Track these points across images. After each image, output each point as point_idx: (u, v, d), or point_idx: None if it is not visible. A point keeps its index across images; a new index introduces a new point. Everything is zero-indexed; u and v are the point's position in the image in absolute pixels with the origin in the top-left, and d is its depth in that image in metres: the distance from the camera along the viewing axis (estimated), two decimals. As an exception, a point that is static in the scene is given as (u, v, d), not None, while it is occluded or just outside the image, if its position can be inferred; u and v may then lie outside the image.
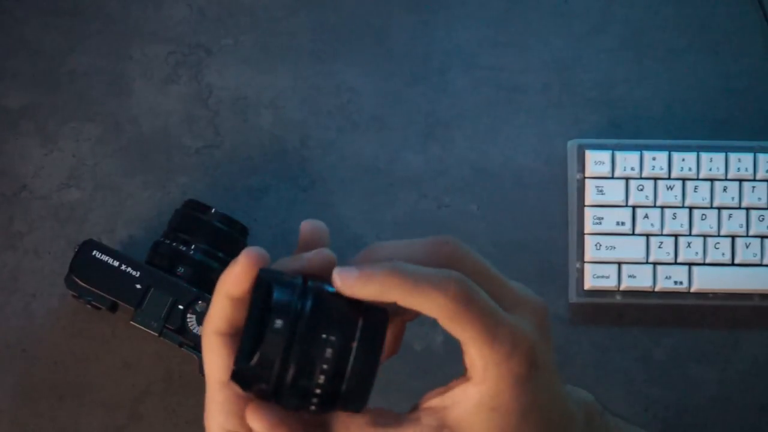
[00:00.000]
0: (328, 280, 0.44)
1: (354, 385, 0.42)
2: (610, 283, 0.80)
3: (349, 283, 0.43)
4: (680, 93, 0.85)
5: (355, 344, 0.42)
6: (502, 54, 0.85)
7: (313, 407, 0.43)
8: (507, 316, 0.44)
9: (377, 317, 0.43)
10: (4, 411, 0.80)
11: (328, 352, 0.42)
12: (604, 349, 0.82)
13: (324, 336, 0.42)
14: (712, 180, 0.80)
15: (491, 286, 0.45)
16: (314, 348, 0.42)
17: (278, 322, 0.42)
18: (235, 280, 0.44)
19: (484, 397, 0.43)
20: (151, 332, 0.74)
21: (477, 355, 0.43)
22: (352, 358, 0.42)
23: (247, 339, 0.42)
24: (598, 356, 0.82)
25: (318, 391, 0.42)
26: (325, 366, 0.42)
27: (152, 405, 0.80)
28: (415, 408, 0.46)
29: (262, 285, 0.43)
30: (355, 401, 0.43)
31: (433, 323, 0.44)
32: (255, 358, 0.42)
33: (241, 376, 0.42)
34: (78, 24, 0.84)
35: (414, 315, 0.45)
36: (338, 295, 0.43)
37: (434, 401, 0.45)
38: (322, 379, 0.42)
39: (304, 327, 0.42)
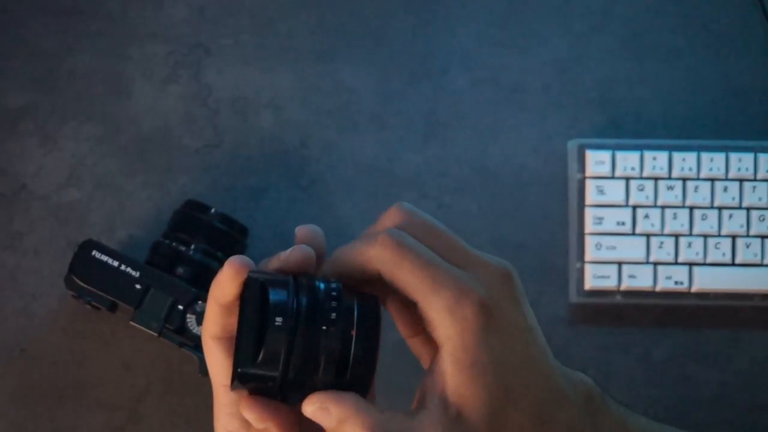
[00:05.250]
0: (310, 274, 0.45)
1: (358, 372, 0.43)
2: (610, 284, 0.80)
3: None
4: (680, 93, 0.85)
5: (354, 331, 0.43)
6: (502, 54, 0.85)
7: None
8: (451, 267, 0.44)
9: (369, 303, 0.45)
10: (3, 411, 0.80)
11: (331, 342, 0.43)
12: (604, 349, 0.82)
13: (324, 328, 0.43)
14: (712, 180, 0.80)
15: (442, 245, 0.45)
16: (317, 341, 0.43)
17: (278, 320, 0.42)
18: (221, 289, 0.45)
19: (456, 356, 0.43)
20: (151, 332, 0.74)
21: (426, 306, 0.43)
22: (353, 346, 0.43)
23: (247, 340, 0.42)
24: (598, 356, 0.82)
25: (323, 381, 0.43)
26: (329, 357, 0.43)
27: (152, 405, 0.80)
28: (418, 400, 0.45)
29: (255, 287, 0.43)
30: (360, 387, 0.44)
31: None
32: (259, 358, 0.42)
33: (245, 377, 0.43)
34: (77, 24, 0.84)
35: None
36: (329, 289, 0.44)
37: (428, 383, 0.44)
38: (327, 370, 0.43)
39: (304, 322, 0.43)
